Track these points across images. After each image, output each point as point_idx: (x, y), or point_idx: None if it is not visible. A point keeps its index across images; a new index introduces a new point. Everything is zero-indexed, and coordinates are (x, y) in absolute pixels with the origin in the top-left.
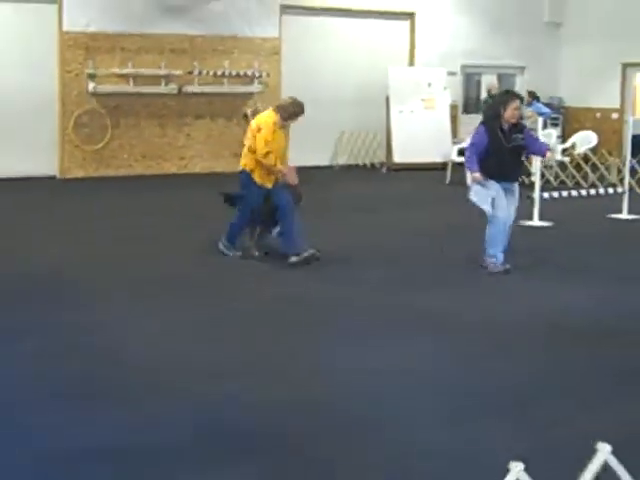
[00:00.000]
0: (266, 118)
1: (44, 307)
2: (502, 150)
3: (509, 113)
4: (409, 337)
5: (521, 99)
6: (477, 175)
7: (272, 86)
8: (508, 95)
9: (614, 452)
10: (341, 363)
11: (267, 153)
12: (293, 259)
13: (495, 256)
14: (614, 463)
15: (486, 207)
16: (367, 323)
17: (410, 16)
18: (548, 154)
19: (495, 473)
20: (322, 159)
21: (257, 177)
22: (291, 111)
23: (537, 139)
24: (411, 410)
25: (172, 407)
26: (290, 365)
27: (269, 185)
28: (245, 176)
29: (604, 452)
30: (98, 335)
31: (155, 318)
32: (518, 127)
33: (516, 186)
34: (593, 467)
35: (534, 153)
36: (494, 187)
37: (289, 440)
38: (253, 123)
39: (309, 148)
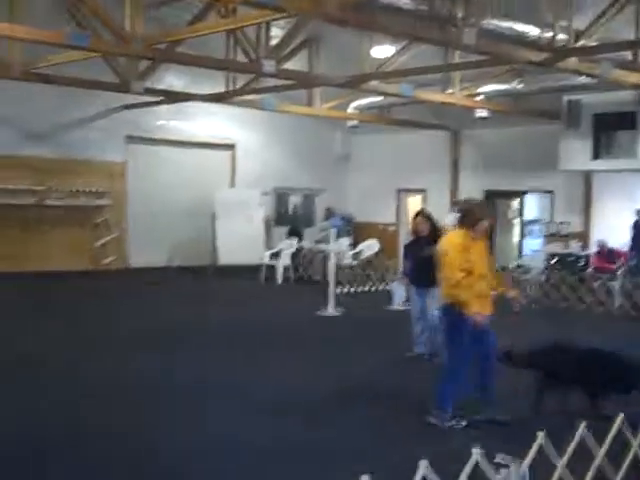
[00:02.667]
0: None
1: None
2: (415, 258)
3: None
4: None
5: (421, 215)
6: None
7: (119, 201)
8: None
9: None
10: None
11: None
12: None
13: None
14: None
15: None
16: None
17: (231, 147)
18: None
19: None
20: (160, 261)
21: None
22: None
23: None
24: None
25: None
26: None
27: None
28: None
29: None
30: None
31: None
32: (421, 240)
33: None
34: None
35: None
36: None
37: None
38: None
39: (150, 251)
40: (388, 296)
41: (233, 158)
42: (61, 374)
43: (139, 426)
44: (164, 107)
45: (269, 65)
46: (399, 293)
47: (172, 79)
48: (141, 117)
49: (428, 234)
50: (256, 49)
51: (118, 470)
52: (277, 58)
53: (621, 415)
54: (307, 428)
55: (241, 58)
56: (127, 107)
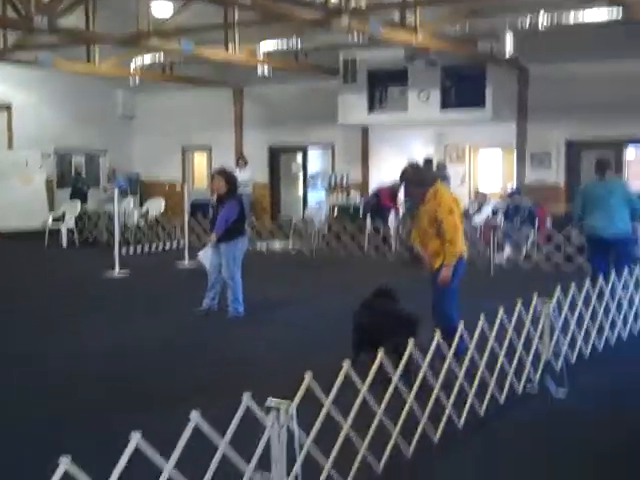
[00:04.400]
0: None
1: None
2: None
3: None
4: None
5: (216, 174)
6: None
7: None
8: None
9: None
10: None
11: None
12: None
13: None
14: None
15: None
16: None
17: (7, 108)
18: (212, 236)
19: None
20: None
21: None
22: None
23: (222, 217)
24: None
25: None
26: None
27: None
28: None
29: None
30: None
31: None
32: (223, 198)
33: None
34: None
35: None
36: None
37: None
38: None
39: None
40: (177, 254)
41: (9, 119)
42: None
43: None
44: None
45: (41, 21)
46: (207, 258)
47: None
48: None
49: (226, 191)
50: (27, 4)
51: None
52: (51, 14)
53: (382, 349)
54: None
55: (12, 14)
56: None
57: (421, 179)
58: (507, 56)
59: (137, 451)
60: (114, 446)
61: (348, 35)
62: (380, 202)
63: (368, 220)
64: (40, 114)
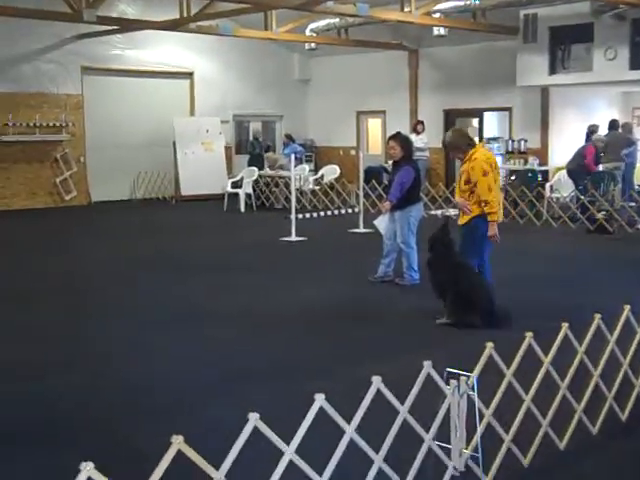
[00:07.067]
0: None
1: None
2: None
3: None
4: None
5: (392, 139)
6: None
7: (78, 135)
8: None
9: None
10: None
11: None
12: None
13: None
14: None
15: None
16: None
17: (190, 75)
18: (386, 204)
19: None
20: (122, 194)
21: None
22: None
23: (397, 183)
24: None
25: None
26: None
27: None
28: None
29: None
30: None
31: None
32: (399, 164)
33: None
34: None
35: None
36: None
37: None
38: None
39: (112, 185)
40: (352, 221)
41: (191, 86)
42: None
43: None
44: (119, 36)
45: None
46: (383, 225)
47: (125, 7)
48: (96, 48)
49: (401, 157)
50: None
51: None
52: None
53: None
54: (294, 346)
55: None
56: (81, 37)
57: (456, 143)
58: None
59: (321, 411)
60: (299, 405)
61: None
62: (585, 165)
63: (547, 186)
64: (220, 81)
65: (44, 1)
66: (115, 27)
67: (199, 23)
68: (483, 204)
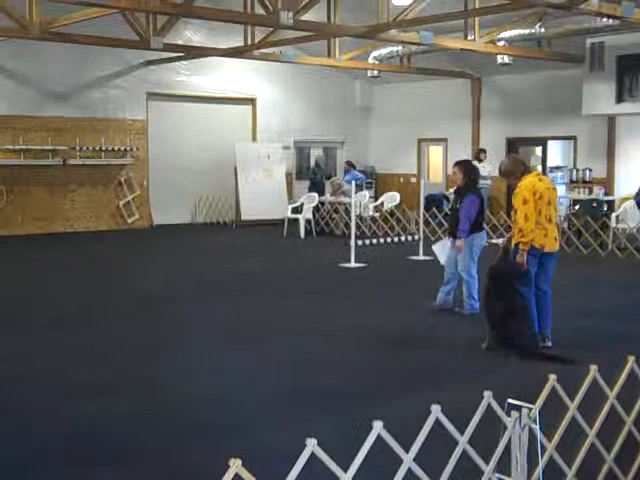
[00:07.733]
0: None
1: None
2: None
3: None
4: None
5: (456, 165)
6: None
7: (141, 159)
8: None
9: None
10: None
11: None
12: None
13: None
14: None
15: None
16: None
17: (252, 101)
18: (459, 242)
19: None
20: (184, 218)
21: None
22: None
23: (464, 216)
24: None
25: None
26: None
27: None
28: None
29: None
30: None
31: None
32: (461, 191)
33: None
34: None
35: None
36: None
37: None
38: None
39: (173, 208)
40: (411, 248)
41: (254, 112)
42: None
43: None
44: (184, 63)
45: (286, 17)
46: (443, 253)
47: (190, 34)
48: (161, 74)
49: (463, 184)
50: (274, 1)
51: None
52: (295, 9)
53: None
54: (350, 372)
55: (259, 10)
56: (147, 64)
57: (510, 170)
58: None
59: (378, 439)
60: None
61: (596, 18)
62: None
63: (613, 216)
64: (282, 107)
65: (113, 29)
66: (180, 54)
67: (262, 50)
68: (517, 231)
